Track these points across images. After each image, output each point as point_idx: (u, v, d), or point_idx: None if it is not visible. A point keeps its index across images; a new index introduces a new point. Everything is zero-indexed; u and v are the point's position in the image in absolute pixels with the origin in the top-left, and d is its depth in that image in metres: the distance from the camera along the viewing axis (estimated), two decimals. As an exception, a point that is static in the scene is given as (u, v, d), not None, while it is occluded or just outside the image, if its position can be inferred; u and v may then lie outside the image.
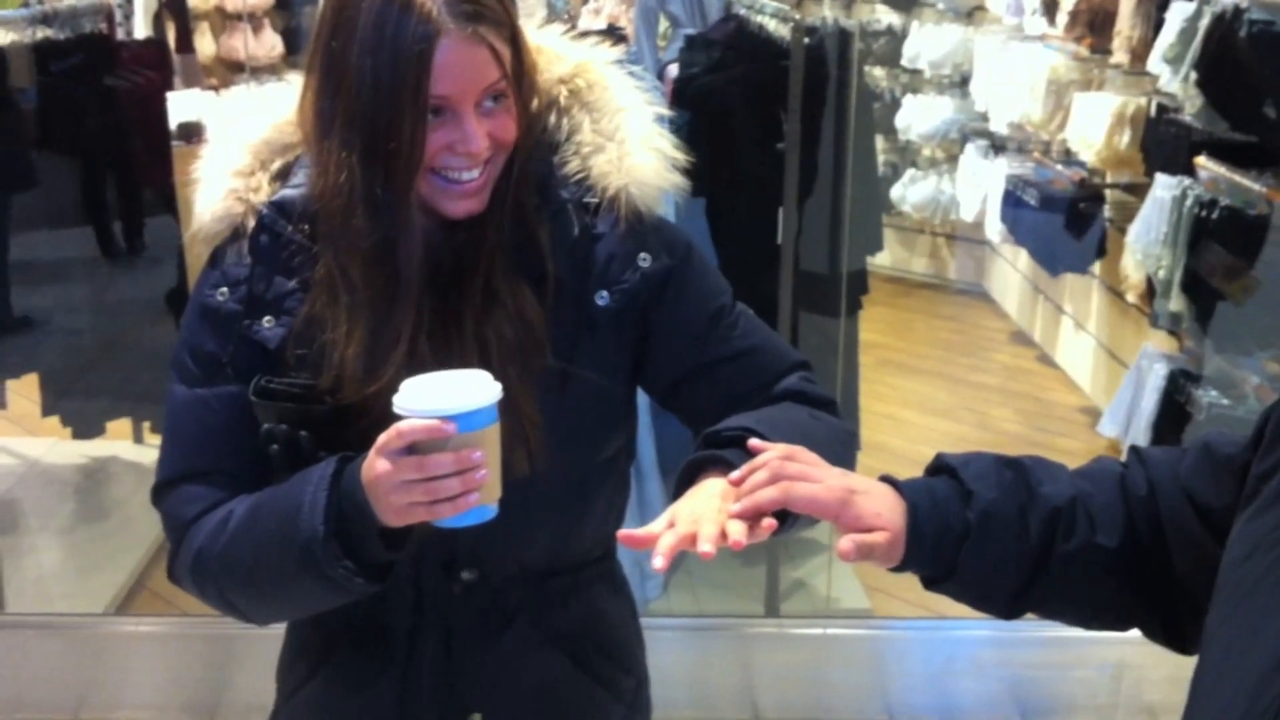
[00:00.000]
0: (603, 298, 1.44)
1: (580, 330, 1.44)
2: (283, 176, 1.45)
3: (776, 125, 3.51)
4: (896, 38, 7.09)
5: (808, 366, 1.52)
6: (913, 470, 1.28)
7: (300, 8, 7.73)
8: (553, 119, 1.47)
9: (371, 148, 1.32)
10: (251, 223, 1.42)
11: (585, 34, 1.53)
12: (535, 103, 1.44)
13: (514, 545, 1.46)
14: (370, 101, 1.31)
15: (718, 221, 3.64)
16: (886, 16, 7.18)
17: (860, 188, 3.73)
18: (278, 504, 1.35)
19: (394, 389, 1.25)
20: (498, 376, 1.27)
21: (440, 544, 1.42)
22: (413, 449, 1.23)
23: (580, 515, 1.51)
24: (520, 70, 1.38)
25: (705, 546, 1.14)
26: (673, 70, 3.87)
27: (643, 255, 1.45)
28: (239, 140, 1.47)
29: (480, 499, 1.24)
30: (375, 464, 1.25)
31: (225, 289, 1.42)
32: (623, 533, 1.19)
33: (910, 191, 6.90)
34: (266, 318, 1.41)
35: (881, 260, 6.03)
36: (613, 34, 3.77)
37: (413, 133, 1.30)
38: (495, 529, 1.38)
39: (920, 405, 5.34)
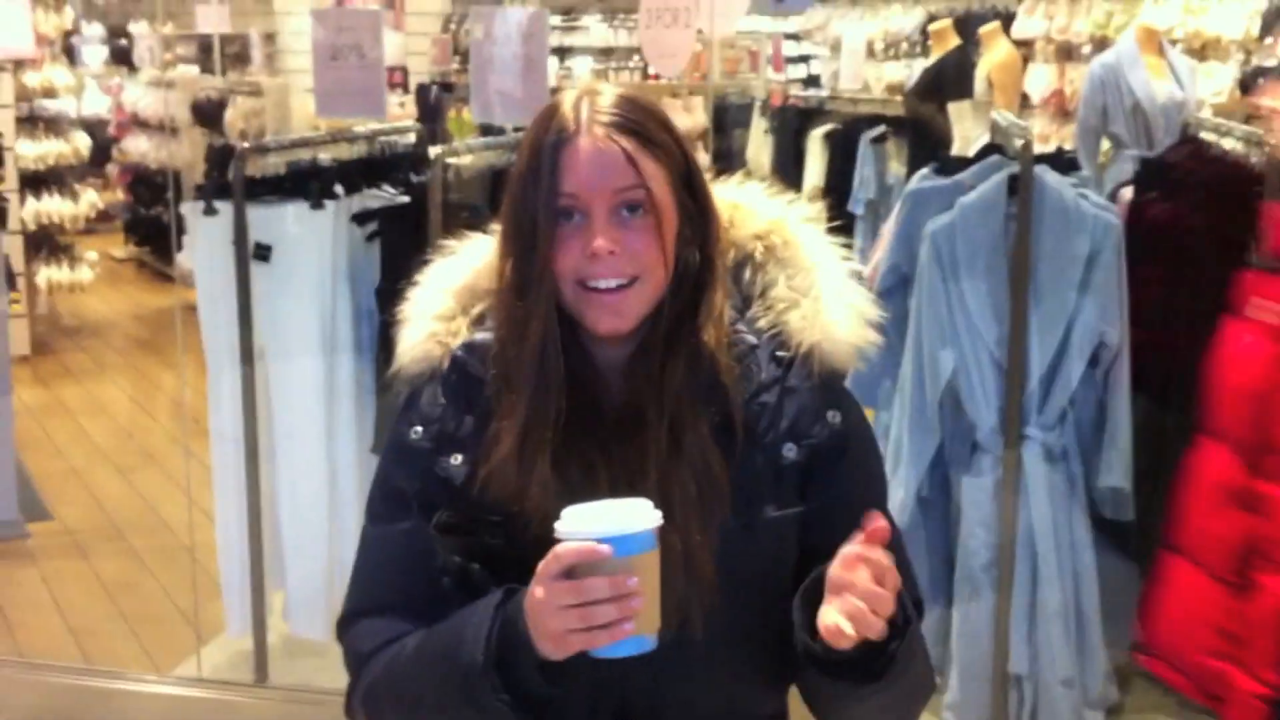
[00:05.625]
0: (790, 450, 1.43)
1: (765, 482, 1.43)
2: (481, 321, 1.50)
3: (1242, 251, 3.35)
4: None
5: (921, 610, 1.46)
6: None
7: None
8: (748, 274, 1.50)
9: (521, 252, 1.39)
10: (447, 364, 1.48)
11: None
12: (731, 255, 1.49)
13: (685, 700, 1.44)
14: (519, 204, 1.39)
15: (1176, 342, 3.49)
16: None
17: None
18: (444, 635, 1.37)
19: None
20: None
21: (612, 692, 1.41)
22: (571, 575, 1.24)
23: (753, 673, 1.47)
24: (687, 198, 1.42)
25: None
26: (1126, 194, 3.77)
27: (832, 412, 1.45)
28: (443, 285, 1.53)
29: (636, 628, 1.24)
30: (535, 590, 1.27)
31: (419, 428, 1.47)
32: None
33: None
34: (455, 455, 1.44)
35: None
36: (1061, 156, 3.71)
37: (546, 228, 1.36)
38: (666, 682, 1.39)
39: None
